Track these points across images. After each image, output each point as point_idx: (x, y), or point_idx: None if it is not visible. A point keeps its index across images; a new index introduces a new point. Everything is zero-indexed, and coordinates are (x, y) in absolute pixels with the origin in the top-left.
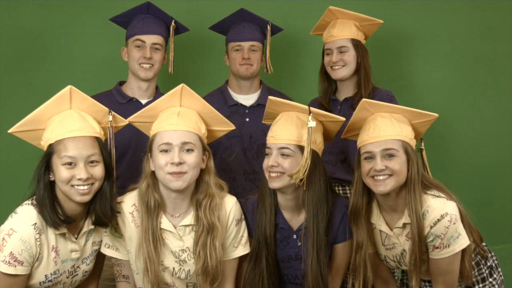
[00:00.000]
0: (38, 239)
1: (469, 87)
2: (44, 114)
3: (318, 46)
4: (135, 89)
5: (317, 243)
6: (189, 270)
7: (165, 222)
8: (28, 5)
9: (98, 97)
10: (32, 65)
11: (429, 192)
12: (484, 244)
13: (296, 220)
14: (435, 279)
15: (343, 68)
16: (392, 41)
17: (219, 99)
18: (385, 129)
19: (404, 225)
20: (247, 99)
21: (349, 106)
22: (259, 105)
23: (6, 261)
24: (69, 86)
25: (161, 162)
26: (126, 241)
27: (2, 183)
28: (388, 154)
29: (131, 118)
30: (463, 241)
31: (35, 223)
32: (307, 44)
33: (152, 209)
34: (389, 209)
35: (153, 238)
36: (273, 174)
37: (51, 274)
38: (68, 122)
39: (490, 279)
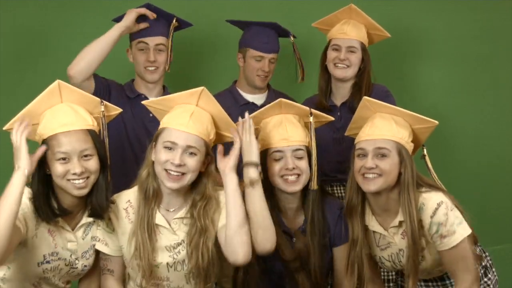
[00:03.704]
0: (35, 212)
1: (469, 87)
2: (36, 110)
3: (316, 47)
4: (142, 88)
5: (318, 243)
6: (184, 260)
7: (159, 218)
8: (28, 5)
9: None
10: (32, 65)
11: (421, 189)
12: (478, 245)
13: (293, 223)
14: (454, 271)
15: (347, 69)
16: (392, 41)
17: (229, 98)
18: (382, 128)
19: (400, 223)
20: (257, 99)
21: (348, 109)
22: None
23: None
24: (57, 81)
25: (161, 158)
26: (119, 236)
27: (1, 182)
28: (381, 154)
29: (147, 102)
30: (467, 226)
31: (31, 198)
32: (307, 44)
33: (151, 197)
34: (380, 209)
35: (148, 226)
36: (292, 178)
37: (49, 254)
38: (60, 116)
39: (485, 279)
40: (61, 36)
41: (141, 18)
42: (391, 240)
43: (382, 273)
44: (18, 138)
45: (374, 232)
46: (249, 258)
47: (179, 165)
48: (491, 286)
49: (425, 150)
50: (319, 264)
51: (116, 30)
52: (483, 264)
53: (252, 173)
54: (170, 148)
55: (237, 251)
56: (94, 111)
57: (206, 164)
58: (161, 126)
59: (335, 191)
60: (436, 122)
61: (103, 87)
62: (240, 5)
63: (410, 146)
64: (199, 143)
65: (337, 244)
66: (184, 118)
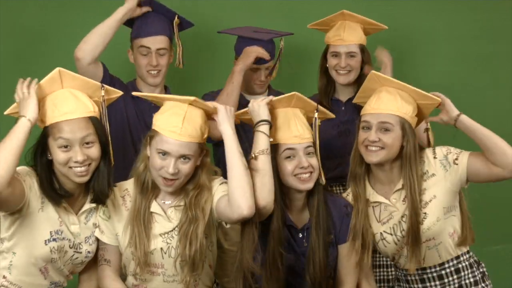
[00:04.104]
0: (40, 187)
1: (469, 87)
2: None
3: (316, 46)
4: (144, 89)
5: (319, 240)
6: (178, 245)
7: (154, 206)
8: (28, 5)
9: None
10: (32, 65)
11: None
12: (473, 255)
13: (299, 220)
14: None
15: (350, 73)
16: (392, 41)
17: None
18: (387, 103)
19: (403, 186)
20: (257, 98)
21: (353, 106)
22: None
23: None
24: (57, 68)
25: (156, 164)
26: (114, 224)
27: None
28: (384, 128)
29: (139, 94)
30: None
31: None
32: (307, 44)
33: (149, 190)
34: (386, 179)
35: (144, 217)
36: (305, 176)
37: (55, 232)
38: (62, 104)
39: (483, 284)
40: (61, 36)
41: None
42: (393, 209)
43: (380, 272)
44: (26, 90)
45: (374, 206)
46: (253, 210)
47: (173, 173)
48: None
49: (428, 124)
50: (324, 261)
51: (119, 13)
52: (481, 270)
53: (265, 129)
54: (164, 154)
55: (240, 203)
56: (95, 94)
57: (201, 157)
58: (153, 126)
59: (335, 191)
60: (439, 99)
61: (109, 79)
62: (241, 5)
63: (413, 120)
64: (193, 149)
65: (342, 241)
66: (177, 124)
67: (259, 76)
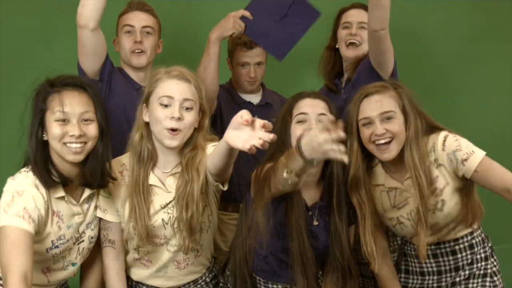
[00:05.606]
0: (46, 201)
1: (469, 87)
2: None
3: (316, 46)
4: (130, 74)
5: (342, 221)
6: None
7: (152, 178)
8: (28, 5)
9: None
10: (32, 65)
11: (431, 134)
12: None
13: (309, 196)
14: (497, 189)
15: (359, 47)
16: (392, 41)
17: (225, 95)
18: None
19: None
20: (253, 97)
21: (350, 87)
22: (267, 104)
23: (20, 215)
24: None
25: (160, 116)
26: (115, 200)
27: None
28: (387, 117)
29: None
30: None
31: (37, 185)
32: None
33: (145, 160)
34: (393, 166)
35: (143, 188)
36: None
37: (56, 239)
38: None
39: (492, 259)
40: (61, 36)
41: None
42: (408, 195)
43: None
44: None
45: (389, 191)
46: None
47: (179, 119)
48: (498, 267)
49: None
50: (348, 242)
51: None
52: (490, 245)
53: None
54: (166, 105)
55: None
56: None
57: (199, 119)
58: (149, 84)
59: None
60: None
61: (110, 64)
62: (241, 5)
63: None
64: (195, 96)
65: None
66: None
67: (249, 72)
